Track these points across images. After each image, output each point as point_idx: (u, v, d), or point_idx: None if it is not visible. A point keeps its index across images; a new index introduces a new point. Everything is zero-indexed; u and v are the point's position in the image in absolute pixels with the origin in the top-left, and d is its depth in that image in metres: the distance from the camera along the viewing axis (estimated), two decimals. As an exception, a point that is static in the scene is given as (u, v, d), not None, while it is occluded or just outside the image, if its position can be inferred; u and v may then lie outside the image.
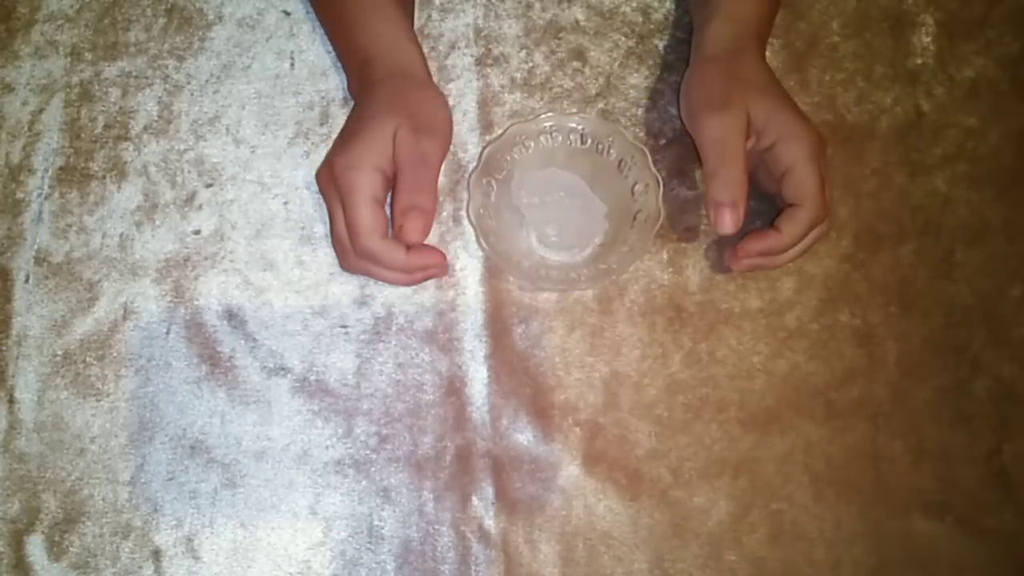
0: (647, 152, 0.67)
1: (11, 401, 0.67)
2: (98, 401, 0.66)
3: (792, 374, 0.68)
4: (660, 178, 0.66)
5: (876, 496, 0.66)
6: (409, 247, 0.62)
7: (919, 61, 0.73)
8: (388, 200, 0.64)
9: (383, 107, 0.63)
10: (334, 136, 0.68)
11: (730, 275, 0.69)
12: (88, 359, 0.67)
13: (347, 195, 0.61)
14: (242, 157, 0.70)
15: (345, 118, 0.67)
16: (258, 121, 0.71)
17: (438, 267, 0.65)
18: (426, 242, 0.64)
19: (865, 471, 0.67)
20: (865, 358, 0.68)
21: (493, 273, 0.69)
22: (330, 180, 0.62)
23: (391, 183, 0.63)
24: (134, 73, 0.72)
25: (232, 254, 0.69)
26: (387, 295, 0.68)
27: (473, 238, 0.69)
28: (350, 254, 0.63)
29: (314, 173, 0.67)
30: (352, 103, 0.70)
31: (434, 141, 0.63)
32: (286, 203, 0.69)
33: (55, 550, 0.64)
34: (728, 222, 0.61)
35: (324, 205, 0.65)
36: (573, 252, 0.68)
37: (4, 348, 0.68)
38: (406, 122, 0.62)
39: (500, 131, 0.69)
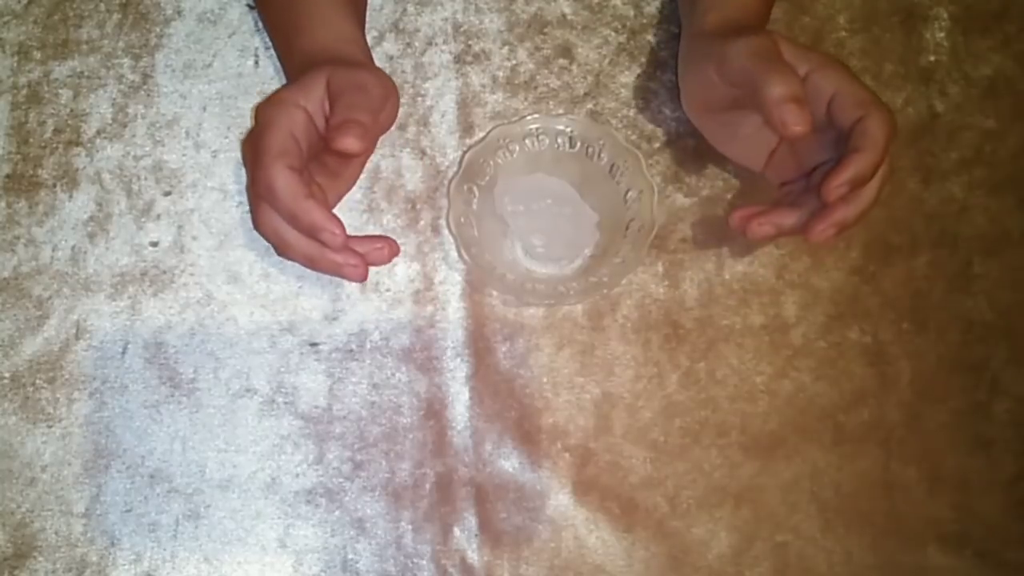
0: (640, 156, 0.71)
1: (-46, 427, 0.71)
2: (49, 427, 0.71)
3: (798, 396, 0.73)
4: (655, 184, 0.70)
5: (889, 527, 0.71)
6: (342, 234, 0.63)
7: (932, 58, 0.78)
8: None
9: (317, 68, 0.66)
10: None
11: (731, 289, 0.74)
12: (38, 382, 0.71)
13: (263, 128, 0.63)
14: (203, 162, 0.75)
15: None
16: (220, 123, 0.75)
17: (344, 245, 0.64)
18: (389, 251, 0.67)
19: (877, 500, 0.72)
20: (876, 378, 0.73)
21: (475, 287, 0.73)
22: (250, 137, 0.64)
23: (316, 133, 0.65)
24: (86, 73, 0.76)
25: (193, 267, 0.73)
26: (360, 310, 0.72)
27: (454, 249, 0.73)
28: (260, 208, 0.65)
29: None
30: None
31: (375, 80, 0.66)
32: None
33: (4, 588, 0.69)
34: (800, 116, 0.60)
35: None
36: (561, 264, 0.73)
37: (-54, 370, 0.72)
38: (341, 67, 0.65)
39: (482, 134, 0.74)
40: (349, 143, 0.61)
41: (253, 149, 0.64)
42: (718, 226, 0.75)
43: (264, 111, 0.64)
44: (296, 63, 0.71)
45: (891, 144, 0.63)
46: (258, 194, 0.64)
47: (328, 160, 0.68)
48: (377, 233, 0.73)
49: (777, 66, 0.62)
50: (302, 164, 0.64)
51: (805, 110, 0.60)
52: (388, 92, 0.68)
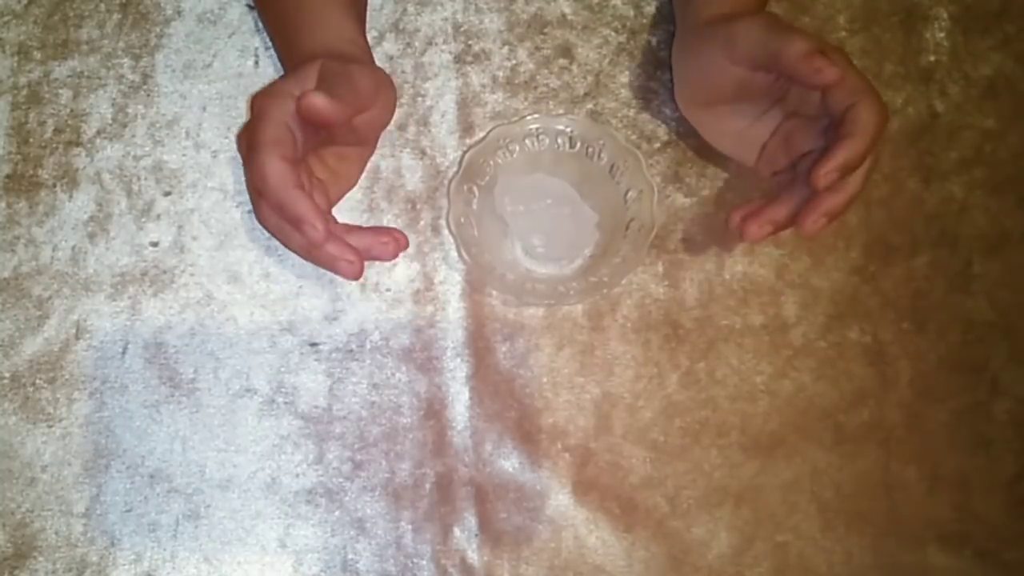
0: (640, 156, 0.72)
1: (-46, 427, 0.72)
2: (49, 427, 0.71)
3: (798, 396, 0.73)
4: (655, 184, 0.71)
5: (889, 527, 0.72)
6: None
7: (932, 58, 0.79)
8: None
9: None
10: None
11: (731, 289, 0.74)
12: (38, 382, 0.72)
13: (257, 120, 0.62)
14: (203, 163, 0.75)
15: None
16: (220, 123, 0.76)
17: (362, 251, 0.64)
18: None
19: (877, 500, 0.72)
20: (876, 378, 0.74)
21: (475, 287, 0.74)
22: (245, 128, 0.64)
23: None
24: (86, 73, 0.76)
25: (193, 267, 0.74)
26: (360, 310, 0.73)
27: (453, 249, 0.73)
28: (260, 200, 0.64)
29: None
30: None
31: (366, 72, 0.66)
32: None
33: (3, 588, 0.69)
34: (830, 65, 0.60)
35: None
36: (561, 264, 0.74)
37: (-54, 370, 0.72)
38: (336, 59, 0.65)
39: (482, 134, 0.74)
40: (314, 100, 0.60)
41: (247, 140, 0.63)
42: (718, 226, 0.75)
43: (258, 101, 0.63)
44: (296, 63, 0.70)
45: (882, 133, 0.63)
46: (253, 185, 0.63)
47: (327, 158, 0.69)
48: None
49: (792, 29, 0.63)
50: (295, 155, 0.62)
51: (831, 60, 0.61)
52: (379, 85, 0.67)
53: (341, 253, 0.62)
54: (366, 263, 0.63)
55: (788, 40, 0.62)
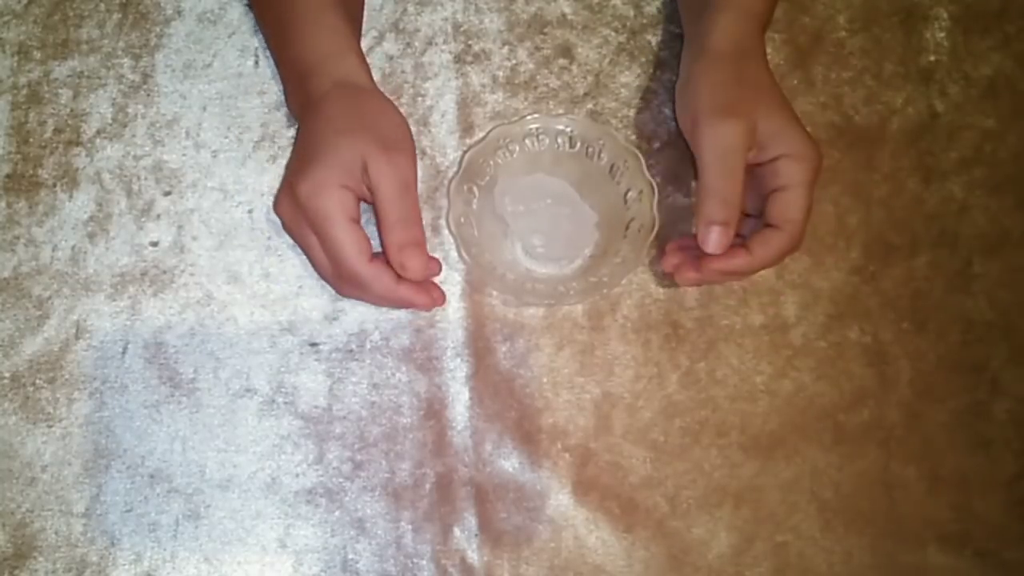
0: (640, 156, 0.72)
1: (-46, 427, 0.72)
2: (49, 427, 0.71)
3: (797, 395, 0.73)
4: (654, 184, 0.71)
5: (888, 527, 0.72)
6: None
7: (932, 58, 0.79)
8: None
9: (340, 123, 0.67)
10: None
11: (731, 289, 0.74)
12: (38, 381, 0.72)
13: (322, 221, 0.64)
14: (203, 162, 0.75)
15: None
16: (220, 123, 0.76)
17: (434, 299, 0.70)
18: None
19: (877, 500, 0.72)
20: (876, 378, 0.74)
21: (475, 287, 0.74)
22: (296, 209, 0.66)
23: (359, 201, 0.67)
24: (86, 73, 0.77)
25: (193, 267, 0.74)
26: (360, 310, 0.73)
27: (454, 249, 0.73)
28: (341, 281, 0.68)
29: (272, 204, 0.70)
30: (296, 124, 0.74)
31: (408, 161, 0.67)
32: (251, 211, 0.74)
33: (3, 588, 0.70)
34: (717, 242, 0.65)
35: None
36: (561, 264, 0.74)
37: (-54, 370, 0.73)
38: (373, 141, 0.66)
39: (482, 134, 0.74)
40: (418, 274, 0.66)
41: (322, 240, 0.66)
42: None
43: (314, 202, 0.65)
44: (294, 71, 0.71)
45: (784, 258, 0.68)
46: (347, 286, 0.68)
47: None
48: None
49: (728, 180, 0.66)
50: (369, 244, 0.66)
51: (728, 235, 0.65)
52: (415, 156, 0.69)
53: (416, 296, 0.68)
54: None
55: (711, 192, 0.66)
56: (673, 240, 0.72)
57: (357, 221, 0.66)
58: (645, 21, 0.79)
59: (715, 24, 0.70)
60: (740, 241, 0.67)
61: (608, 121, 0.77)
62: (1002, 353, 0.75)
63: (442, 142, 0.76)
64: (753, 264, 0.67)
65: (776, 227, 0.66)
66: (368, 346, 0.73)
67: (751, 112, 0.66)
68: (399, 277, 0.67)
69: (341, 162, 0.65)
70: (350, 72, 0.69)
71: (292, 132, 0.76)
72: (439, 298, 0.70)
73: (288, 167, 0.71)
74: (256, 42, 0.78)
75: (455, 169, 0.73)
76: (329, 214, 0.64)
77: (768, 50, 0.73)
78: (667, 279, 0.74)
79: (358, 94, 0.69)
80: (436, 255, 0.74)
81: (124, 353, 0.73)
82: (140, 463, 0.71)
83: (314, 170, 0.65)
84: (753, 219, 0.70)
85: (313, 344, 0.73)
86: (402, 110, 0.74)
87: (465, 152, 0.73)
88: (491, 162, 0.74)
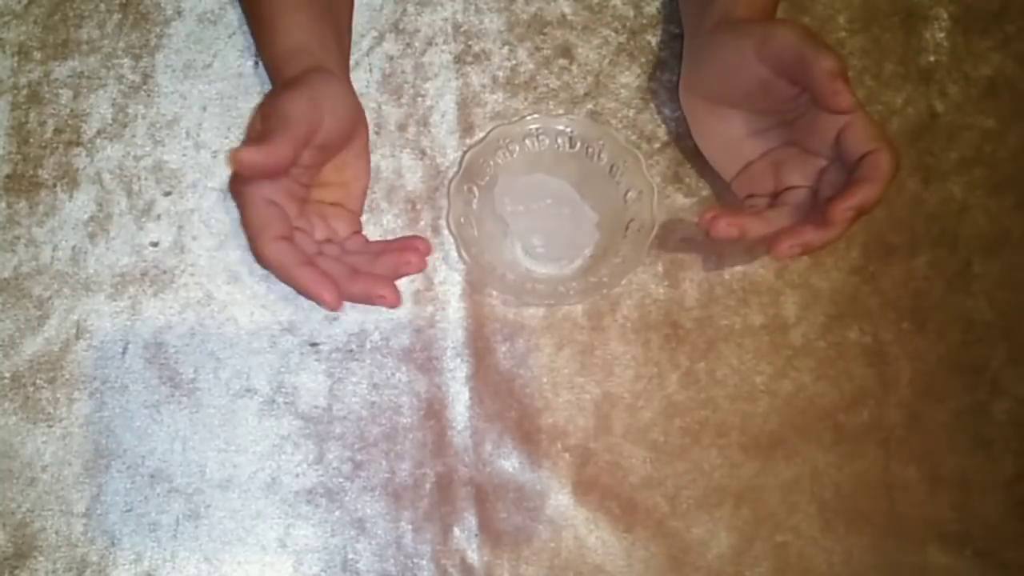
0: (640, 156, 0.72)
1: (-46, 427, 0.72)
2: (49, 427, 0.72)
3: (797, 396, 0.73)
4: (654, 184, 0.71)
5: (889, 527, 0.72)
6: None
7: (932, 58, 0.79)
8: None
9: (284, 91, 0.65)
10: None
11: (731, 289, 0.74)
12: (38, 381, 0.72)
13: (242, 213, 0.64)
14: (203, 163, 0.75)
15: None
16: (220, 123, 0.76)
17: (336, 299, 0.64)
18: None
19: (877, 500, 0.72)
20: (876, 378, 0.74)
21: (475, 287, 0.74)
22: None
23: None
24: (86, 73, 0.77)
25: (193, 267, 0.74)
26: (360, 310, 0.73)
27: (454, 249, 0.73)
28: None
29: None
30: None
31: (296, 93, 0.65)
32: None
33: (3, 588, 0.70)
34: (848, 92, 0.61)
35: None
36: (561, 264, 0.74)
37: (-54, 370, 0.73)
38: (269, 96, 0.65)
39: (482, 134, 0.74)
40: (243, 156, 0.61)
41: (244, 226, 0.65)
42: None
43: (233, 192, 0.65)
44: (270, 70, 0.71)
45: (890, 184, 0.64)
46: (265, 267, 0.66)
47: (328, 177, 0.69)
48: (382, 236, 0.74)
49: (826, 45, 0.63)
50: (287, 226, 0.64)
51: (851, 90, 0.62)
52: (315, 98, 0.65)
53: (372, 289, 0.64)
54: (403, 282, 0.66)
55: (822, 54, 0.62)
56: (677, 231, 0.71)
57: (277, 208, 0.64)
58: (645, 21, 0.79)
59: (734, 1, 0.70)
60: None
61: (608, 121, 0.77)
62: (1002, 353, 0.75)
63: (442, 142, 0.76)
64: (877, 190, 0.63)
65: (875, 151, 0.63)
66: (368, 346, 0.73)
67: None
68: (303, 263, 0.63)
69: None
70: (317, 63, 0.68)
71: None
72: (415, 261, 0.66)
73: None
74: (256, 42, 0.78)
75: (455, 169, 0.73)
76: (242, 202, 0.64)
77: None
78: (666, 266, 0.74)
79: (316, 73, 0.67)
80: (436, 255, 0.74)
81: (124, 353, 0.73)
82: (140, 463, 0.71)
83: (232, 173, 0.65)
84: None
85: (313, 344, 0.73)
86: (402, 110, 0.75)
87: (465, 152, 0.73)
88: (491, 162, 0.74)
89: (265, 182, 0.63)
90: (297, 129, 0.63)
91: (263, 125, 0.63)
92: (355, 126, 0.70)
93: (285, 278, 0.63)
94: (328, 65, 0.69)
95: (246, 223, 0.63)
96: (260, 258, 0.63)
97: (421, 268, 0.66)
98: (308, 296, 0.62)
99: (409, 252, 0.66)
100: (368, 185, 0.73)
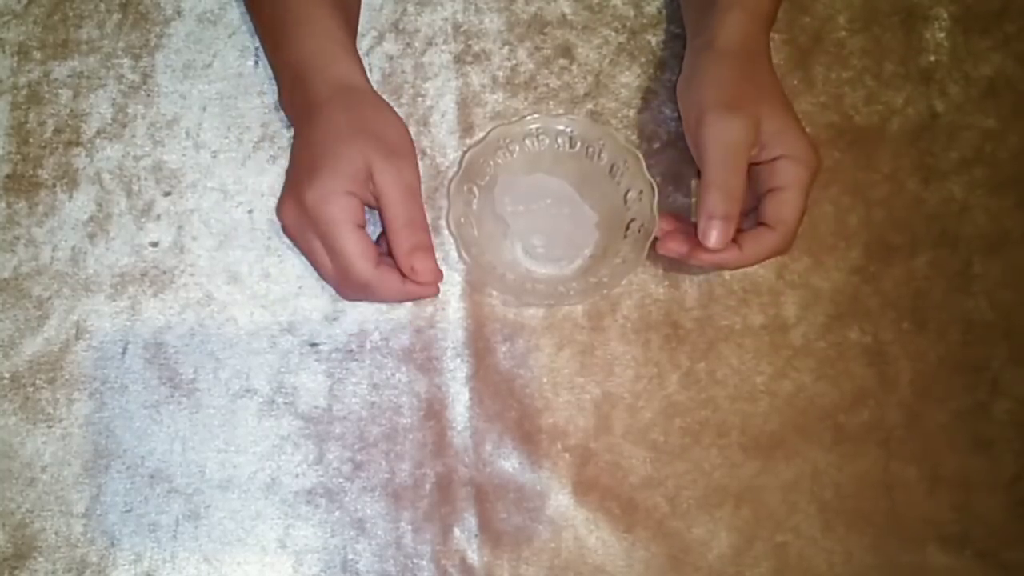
0: (640, 156, 0.71)
1: (-46, 427, 0.72)
2: (49, 427, 0.72)
3: (798, 396, 0.73)
4: (655, 184, 0.71)
5: (889, 527, 0.72)
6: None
7: (932, 58, 0.79)
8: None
9: (343, 130, 0.67)
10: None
11: (731, 289, 0.74)
12: (38, 382, 0.72)
13: (329, 227, 0.65)
14: (203, 163, 0.75)
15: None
16: (220, 124, 0.76)
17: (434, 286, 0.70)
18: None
19: (877, 500, 0.72)
20: (876, 378, 0.74)
21: (475, 287, 0.74)
22: (302, 215, 0.66)
23: (364, 207, 0.67)
24: (86, 73, 0.77)
25: (193, 267, 0.74)
26: (360, 310, 0.73)
27: (454, 249, 0.73)
28: (346, 286, 0.68)
29: (276, 210, 0.70)
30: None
31: (410, 165, 0.68)
32: (250, 211, 0.75)
33: (3, 588, 0.70)
34: (717, 237, 0.65)
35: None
36: (561, 264, 0.74)
37: (-54, 370, 0.73)
38: (377, 148, 0.66)
39: (482, 134, 0.74)
40: (428, 277, 0.67)
41: (329, 247, 0.66)
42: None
43: (320, 209, 0.65)
44: (288, 73, 0.71)
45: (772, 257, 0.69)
46: (351, 290, 0.68)
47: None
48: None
49: (731, 174, 0.66)
50: (375, 249, 0.67)
51: (728, 230, 0.65)
52: (416, 161, 0.70)
53: (423, 289, 0.69)
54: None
55: (713, 184, 0.66)
56: (673, 215, 0.72)
57: (363, 227, 0.66)
58: (645, 21, 0.79)
59: (722, 23, 0.70)
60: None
61: (608, 121, 0.77)
62: (1002, 353, 0.75)
63: (442, 142, 0.76)
64: (741, 260, 0.67)
65: (769, 227, 0.67)
66: (368, 346, 0.73)
67: (756, 110, 0.67)
68: (404, 276, 0.67)
69: (347, 169, 0.65)
70: (346, 75, 0.69)
71: (291, 132, 0.76)
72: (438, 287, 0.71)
73: (290, 173, 0.71)
74: (256, 42, 0.77)
75: (455, 169, 0.73)
76: (337, 221, 0.65)
77: (768, 49, 0.73)
78: (666, 266, 0.75)
79: (358, 99, 0.69)
80: (436, 255, 0.73)
81: (124, 353, 0.73)
82: (140, 463, 0.71)
83: (321, 178, 0.65)
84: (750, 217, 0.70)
85: (313, 344, 0.73)
86: (402, 110, 0.74)
87: (465, 152, 0.73)
88: (491, 162, 0.74)
89: (356, 207, 0.66)
90: (420, 200, 0.69)
91: (394, 207, 0.67)
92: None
93: (392, 297, 0.69)
94: (357, 75, 0.70)
95: (346, 255, 0.65)
96: (364, 284, 0.66)
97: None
98: (418, 297, 0.70)
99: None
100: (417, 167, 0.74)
